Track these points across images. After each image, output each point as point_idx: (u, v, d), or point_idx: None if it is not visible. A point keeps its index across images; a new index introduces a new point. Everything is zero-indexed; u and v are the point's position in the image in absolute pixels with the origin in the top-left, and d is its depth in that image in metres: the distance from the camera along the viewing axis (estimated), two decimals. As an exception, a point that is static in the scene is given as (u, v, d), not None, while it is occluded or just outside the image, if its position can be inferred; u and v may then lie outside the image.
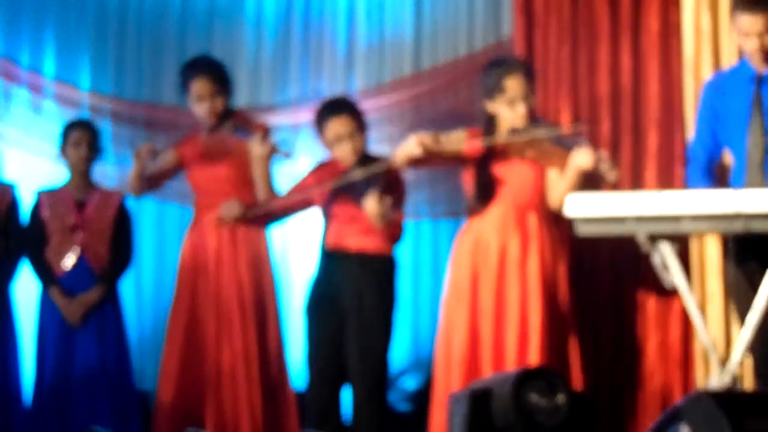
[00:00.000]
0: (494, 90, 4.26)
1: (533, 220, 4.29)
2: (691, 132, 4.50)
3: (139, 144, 5.17)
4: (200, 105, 4.68)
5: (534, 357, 4.14)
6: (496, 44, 5.38)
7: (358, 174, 4.30)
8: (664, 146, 4.74)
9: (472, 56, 5.52)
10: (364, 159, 4.41)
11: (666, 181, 4.71)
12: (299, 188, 4.59)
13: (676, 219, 3.75)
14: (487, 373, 4.14)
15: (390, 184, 4.35)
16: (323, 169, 4.57)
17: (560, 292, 4.31)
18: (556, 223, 4.43)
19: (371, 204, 4.20)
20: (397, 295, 4.49)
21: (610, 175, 4.11)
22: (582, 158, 4.13)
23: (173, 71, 5.92)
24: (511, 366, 4.11)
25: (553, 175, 4.28)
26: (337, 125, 4.38)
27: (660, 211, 3.76)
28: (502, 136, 4.22)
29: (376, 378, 4.36)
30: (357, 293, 4.36)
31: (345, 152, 4.39)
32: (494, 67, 4.31)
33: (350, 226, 4.41)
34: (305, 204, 4.59)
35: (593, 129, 4.81)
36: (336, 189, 4.39)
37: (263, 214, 4.61)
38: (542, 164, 4.25)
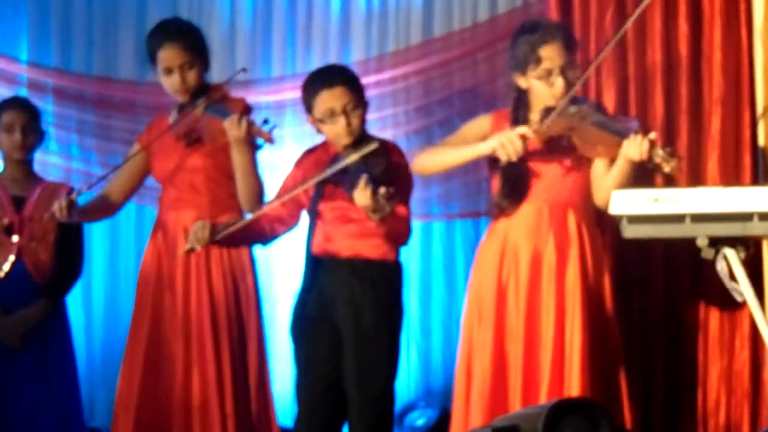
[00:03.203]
0: (526, 61, 4.26)
1: (572, 221, 4.30)
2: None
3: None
4: (169, 78, 4.66)
5: (573, 387, 4.14)
6: (524, 7, 5.40)
7: (351, 158, 4.27)
8: (728, 130, 4.76)
9: (493, 21, 5.54)
10: (362, 142, 4.34)
11: (731, 173, 4.74)
12: (285, 191, 4.51)
13: (743, 219, 3.78)
14: (515, 407, 4.14)
15: (391, 171, 4.30)
16: (311, 157, 4.55)
17: (605, 308, 4.32)
18: (599, 224, 4.46)
19: (360, 193, 4.14)
20: (404, 311, 4.46)
21: (668, 165, 4.12)
22: (633, 149, 4.12)
23: (130, 39, 5.97)
24: (544, 398, 4.11)
25: (599, 166, 4.30)
26: (330, 99, 4.33)
27: (724, 209, 3.78)
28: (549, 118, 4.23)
29: (378, 413, 4.33)
30: (352, 308, 4.32)
31: (338, 131, 4.34)
32: (526, 33, 4.30)
33: (342, 227, 4.38)
34: (297, 210, 4.53)
35: (643, 109, 4.86)
36: (323, 180, 4.36)
37: (241, 230, 4.48)
38: (584, 153, 4.27)
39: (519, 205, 4.31)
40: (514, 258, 4.29)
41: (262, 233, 4.54)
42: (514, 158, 4.17)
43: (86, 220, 4.93)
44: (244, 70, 4.74)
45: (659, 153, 4.09)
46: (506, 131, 4.21)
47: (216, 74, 5.17)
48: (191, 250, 4.42)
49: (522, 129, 4.19)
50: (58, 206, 4.62)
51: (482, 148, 4.27)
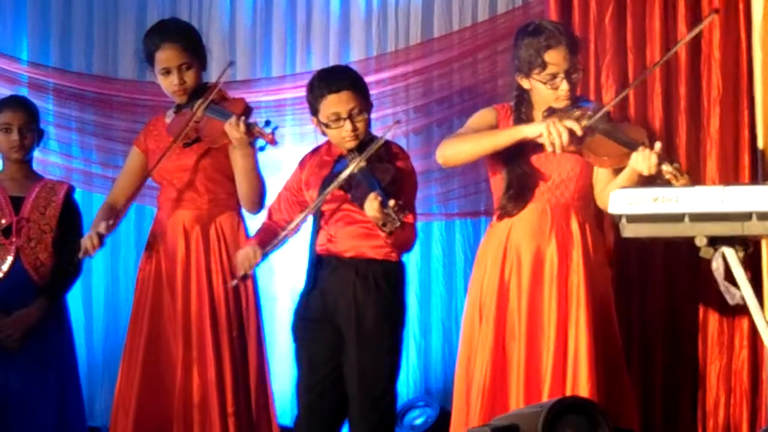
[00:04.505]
0: (531, 65, 4.25)
1: (575, 222, 4.29)
2: (760, 112, 4.55)
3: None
4: (167, 79, 4.65)
5: (582, 388, 4.13)
6: (524, 7, 5.40)
7: (356, 164, 4.26)
8: (727, 130, 4.76)
9: (493, 21, 5.54)
10: (367, 144, 4.34)
11: (730, 172, 4.74)
12: (288, 191, 4.55)
13: (742, 218, 3.78)
14: (515, 407, 4.13)
15: (398, 178, 4.30)
16: (314, 158, 4.53)
17: (607, 309, 4.31)
18: (600, 225, 4.46)
19: (370, 206, 4.13)
20: (405, 310, 4.47)
21: (677, 181, 4.08)
22: (641, 163, 4.10)
23: (130, 39, 5.98)
24: (546, 398, 4.09)
25: (602, 169, 4.29)
26: (336, 103, 4.33)
27: (723, 208, 3.78)
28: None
29: (380, 413, 4.34)
30: (355, 309, 4.33)
31: (343, 135, 4.34)
32: (530, 36, 4.28)
33: (345, 227, 4.39)
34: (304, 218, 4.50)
35: (643, 109, 4.87)
36: (326, 181, 4.36)
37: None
38: (590, 161, 4.23)
39: (524, 207, 4.30)
40: (516, 258, 4.28)
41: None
42: (558, 150, 4.13)
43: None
44: (231, 63, 4.75)
45: (668, 169, 4.08)
46: (555, 120, 4.16)
47: (216, 74, 5.19)
48: (245, 277, 4.49)
49: (571, 123, 4.13)
50: (90, 243, 4.60)
51: (527, 131, 4.18)
